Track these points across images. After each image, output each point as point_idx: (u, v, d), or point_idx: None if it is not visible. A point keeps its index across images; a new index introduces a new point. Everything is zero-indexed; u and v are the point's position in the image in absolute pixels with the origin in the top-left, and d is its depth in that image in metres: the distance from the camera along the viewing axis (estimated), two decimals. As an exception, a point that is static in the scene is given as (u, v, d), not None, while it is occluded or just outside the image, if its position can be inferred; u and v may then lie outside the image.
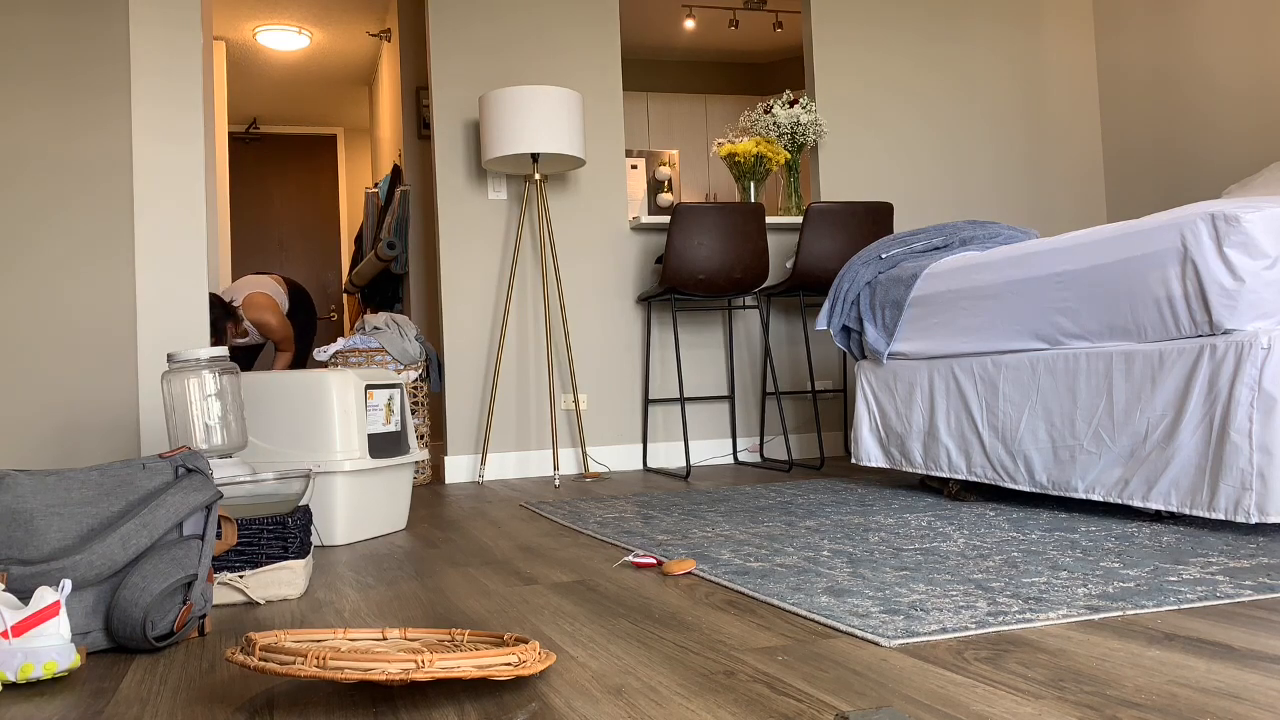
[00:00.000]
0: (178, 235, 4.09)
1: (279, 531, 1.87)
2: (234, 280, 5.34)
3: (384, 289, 5.74)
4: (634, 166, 5.62)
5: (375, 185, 6.52)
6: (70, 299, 3.92)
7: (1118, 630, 1.39)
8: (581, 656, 1.38)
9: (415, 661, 1.12)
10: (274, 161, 8.25)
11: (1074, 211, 5.16)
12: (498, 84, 4.35)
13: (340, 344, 4.04)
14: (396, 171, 5.53)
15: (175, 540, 1.54)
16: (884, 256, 3.24)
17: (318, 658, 1.12)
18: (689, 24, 7.22)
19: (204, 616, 1.58)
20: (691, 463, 4.42)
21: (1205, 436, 2.12)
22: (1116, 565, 1.81)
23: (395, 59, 5.78)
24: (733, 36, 7.67)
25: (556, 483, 3.82)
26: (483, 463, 4.08)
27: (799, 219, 4.52)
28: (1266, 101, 4.33)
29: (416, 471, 4.15)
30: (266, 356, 7.21)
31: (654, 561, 2.02)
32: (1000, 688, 1.16)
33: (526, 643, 1.28)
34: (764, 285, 4.46)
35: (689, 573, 1.93)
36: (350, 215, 8.34)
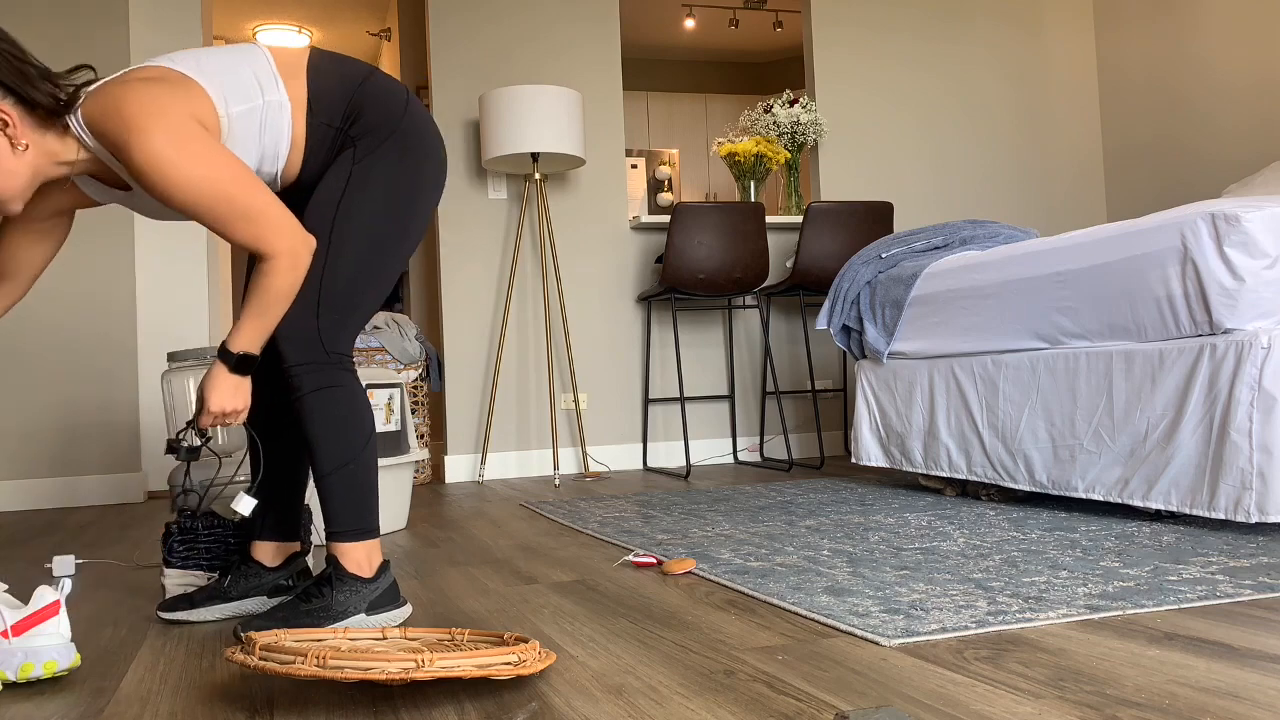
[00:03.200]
0: (178, 235, 4.09)
1: (279, 531, 1.86)
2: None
3: (384, 288, 5.74)
4: (634, 166, 5.63)
5: (375, 185, 6.51)
6: (70, 299, 3.92)
7: (1118, 630, 1.39)
8: (581, 656, 1.38)
9: (415, 661, 1.12)
10: (274, 161, 8.24)
11: (1074, 211, 5.16)
12: (498, 83, 4.35)
13: (340, 343, 4.04)
14: (396, 171, 5.52)
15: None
16: (884, 256, 3.24)
17: (318, 657, 1.12)
18: (689, 23, 7.22)
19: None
20: (691, 462, 4.42)
21: (1205, 436, 2.12)
22: (1116, 565, 1.81)
23: (395, 58, 5.78)
24: (733, 36, 7.66)
25: (556, 482, 3.82)
26: (483, 462, 4.08)
27: (799, 218, 4.52)
28: (1266, 101, 4.33)
29: (416, 471, 4.16)
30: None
31: (654, 561, 2.02)
32: (1000, 687, 1.16)
33: (526, 642, 1.28)
34: (764, 285, 4.46)
35: (689, 572, 1.93)
36: (350, 215, 8.33)
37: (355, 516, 1.55)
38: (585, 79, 4.45)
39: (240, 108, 1.49)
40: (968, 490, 2.92)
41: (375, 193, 1.57)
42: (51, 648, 1.33)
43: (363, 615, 1.54)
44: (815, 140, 4.62)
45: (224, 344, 1.49)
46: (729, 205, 3.97)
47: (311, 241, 1.49)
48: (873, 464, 3.25)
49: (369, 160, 1.56)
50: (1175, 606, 1.49)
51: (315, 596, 1.53)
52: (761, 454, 4.55)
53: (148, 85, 1.41)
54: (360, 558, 1.56)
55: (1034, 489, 2.59)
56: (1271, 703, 1.07)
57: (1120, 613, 1.47)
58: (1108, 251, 2.35)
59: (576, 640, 1.47)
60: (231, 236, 1.43)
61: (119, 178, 1.53)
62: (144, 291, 4.02)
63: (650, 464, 4.41)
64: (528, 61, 4.38)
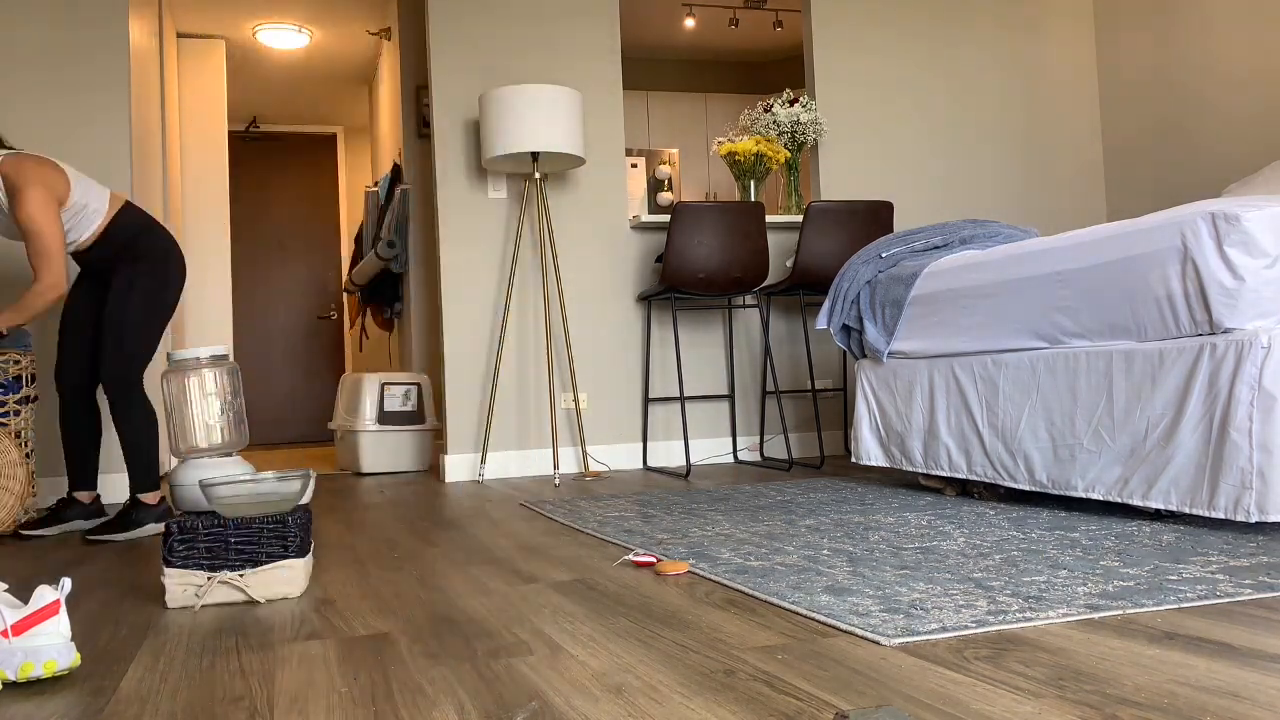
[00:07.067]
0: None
1: (279, 530, 1.87)
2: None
3: (384, 288, 5.75)
4: (634, 165, 5.62)
5: (375, 184, 6.52)
6: (70, 298, 3.91)
7: (1118, 629, 1.39)
8: (581, 655, 1.38)
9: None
10: (274, 160, 8.24)
11: (1074, 211, 5.16)
12: (498, 82, 4.34)
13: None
14: (396, 170, 5.52)
15: None
16: (884, 255, 3.24)
17: None
18: (689, 23, 7.22)
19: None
20: (691, 462, 4.42)
21: (1205, 435, 2.12)
22: (1116, 564, 1.81)
23: (395, 58, 5.78)
24: (733, 35, 7.66)
25: (557, 481, 3.82)
26: (483, 461, 4.08)
27: (799, 218, 4.52)
28: (1266, 101, 4.33)
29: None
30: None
31: (654, 560, 2.02)
32: (1000, 686, 1.16)
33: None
34: (764, 284, 4.46)
35: (687, 571, 1.93)
36: (350, 214, 8.34)
37: (146, 476, 2.82)
38: (585, 79, 4.45)
39: (78, 199, 2.78)
40: (968, 490, 2.92)
41: (146, 283, 2.86)
42: (51, 647, 1.33)
43: (151, 525, 2.81)
44: (815, 140, 4.62)
45: None
46: (729, 205, 3.97)
47: (62, 290, 2.71)
48: (873, 463, 3.25)
49: (143, 268, 2.86)
50: (1175, 606, 1.49)
51: (127, 515, 2.79)
52: (761, 453, 4.55)
53: (39, 162, 2.72)
54: (151, 498, 2.83)
55: (1034, 488, 2.59)
56: (1271, 703, 1.07)
57: (1120, 612, 1.47)
58: (1108, 251, 2.35)
59: (576, 640, 1.47)
60: (32, 258, 2.68)
61: None
62: (144, 291, 4.01)
63: (650, 463, 4.41)
64: (528, 61, 4.38)
